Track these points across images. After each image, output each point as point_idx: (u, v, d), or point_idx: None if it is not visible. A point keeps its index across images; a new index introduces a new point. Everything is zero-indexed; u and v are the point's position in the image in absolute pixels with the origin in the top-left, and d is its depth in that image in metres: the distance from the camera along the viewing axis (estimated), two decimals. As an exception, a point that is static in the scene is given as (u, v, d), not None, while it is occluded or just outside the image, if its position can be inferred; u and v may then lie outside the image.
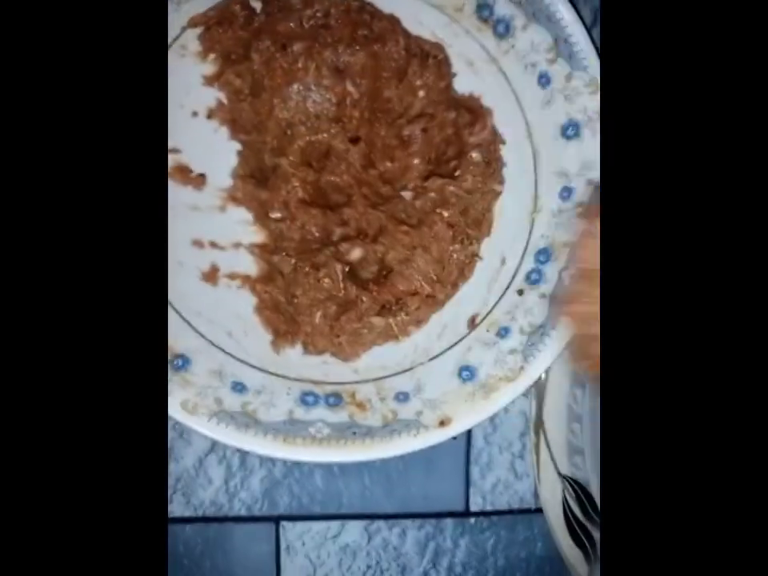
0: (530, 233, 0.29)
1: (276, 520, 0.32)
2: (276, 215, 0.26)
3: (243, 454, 0.31)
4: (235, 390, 0.25)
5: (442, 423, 0.25)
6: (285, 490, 0.32)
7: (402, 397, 0.26)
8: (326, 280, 0.26)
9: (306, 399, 0.26)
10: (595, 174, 0.27)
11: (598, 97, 0.27)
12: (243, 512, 0.31)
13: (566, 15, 0.26)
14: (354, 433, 0.25)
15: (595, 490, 0.33)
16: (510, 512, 0.35)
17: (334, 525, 0.32)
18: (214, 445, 0.31)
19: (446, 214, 0.27)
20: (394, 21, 0.27)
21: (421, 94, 0.27)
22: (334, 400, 0.26)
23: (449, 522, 0.34)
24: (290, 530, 0.32)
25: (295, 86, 0.26)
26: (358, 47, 0.26)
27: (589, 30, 0.27)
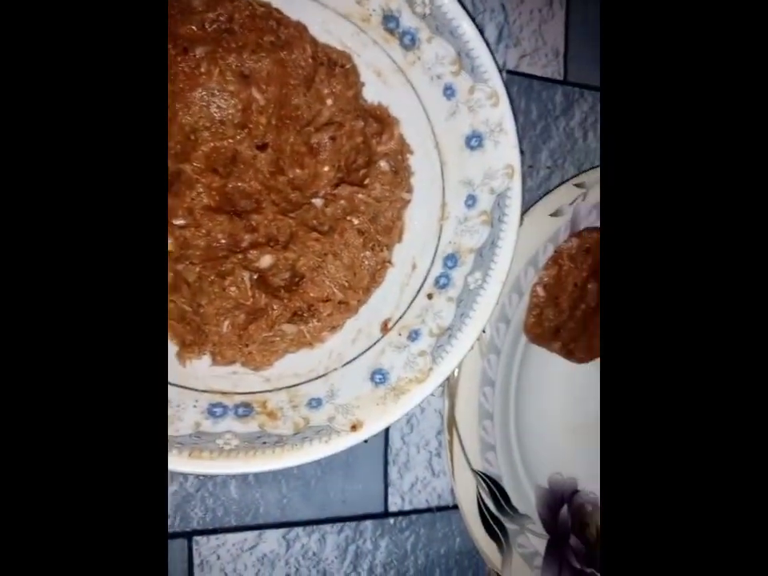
0: (439, 239, 0.30)
1: (188, 536, 0.31)
2: (180, 222, 0.25)
3: (153, 470, 0.30)
4: (136, 405, 0.24)
5: (354, 427, 0.25)
6: (198, 503, 0.31)
7: (315, 403, 0.26)
8: (233, 288, 0.25)
9: (214, 411, 0.25)
10: (496, 184, 0.29)
11: (499, 109, 0.28)
12: (154, 530, 0.30)
13: (468, 30, 0.27)
14: (265, 442, 0.25)
15: (507, 484, 0.35)
16: (429, 510, 0.36)
17: (251, 536, 0.32)
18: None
19: (356, 221, 0.28)
20: (301, 28, 0.27)
21: (329, 102, 0.27)
22: (244, 410, 0.26)
23: (368, 524, 0.34)
24: (203, 545, 0.31)
25: (198, 91, 0.25)
26: (263, 53, 0.26)
27: (489, 46, 0.28)
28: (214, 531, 0.31)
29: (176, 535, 0.30)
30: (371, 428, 0.25)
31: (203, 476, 0.30)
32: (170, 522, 0.30)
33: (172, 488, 0.30)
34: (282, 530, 0.32)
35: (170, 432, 0.24)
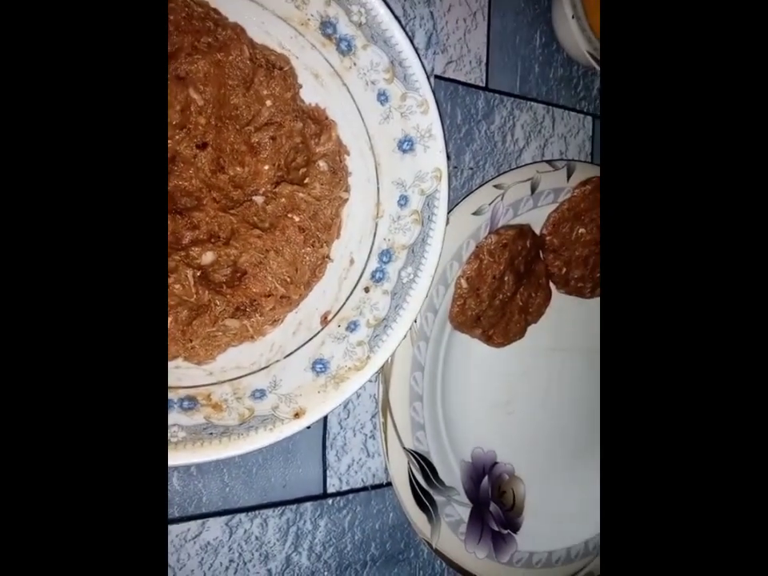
0: (374, 236, 0.32)
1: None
2: (118, 219, 0.25)
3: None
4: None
5: (297, 415, 0.27)
6: (138, 498, 0.31)
7: (259, 394, 0.27)
8: (177, 286, 0.26)
9: (159, 405, 0.25)
10: (426, 185, 0.31)
11: (428, 116, 0.30)
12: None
13: (401, 41, 0.29)
14: (211, 433, 0.25)
15: (435, 460, 0.38)
16: (364, 489, 0.38)
17: (194, 525, 0.32)
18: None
19: (296, 218, 0.29)
20: (239, 30, 0.28)
21: (268, 102, 0.28)
22: (189, 403, 0.26)
23: (308, 506, 0.36)
24: (145, 538, 0.31)
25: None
26: (199, 56, 0.26)
27: (419, 52, 0.30)
28: (156, 523, 0.31)
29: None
30: (313, 415, 0.27)
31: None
32: (108, 518, 0.30)
33: (110, 484, 0.30)
34: (224, 518, 0.33)
35: (115, 428, 0.24)
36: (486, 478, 0.42)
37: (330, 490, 0.37)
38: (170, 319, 0.26)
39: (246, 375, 0.28)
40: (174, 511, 0.32)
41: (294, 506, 0.35)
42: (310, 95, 0.30)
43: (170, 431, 0.25)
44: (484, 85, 0.41)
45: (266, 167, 0.29)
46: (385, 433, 0.35)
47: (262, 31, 0.29)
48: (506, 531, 0.42)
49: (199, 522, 0.33)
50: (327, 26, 0.29)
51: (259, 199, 0.29)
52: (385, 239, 0.31)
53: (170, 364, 0.27)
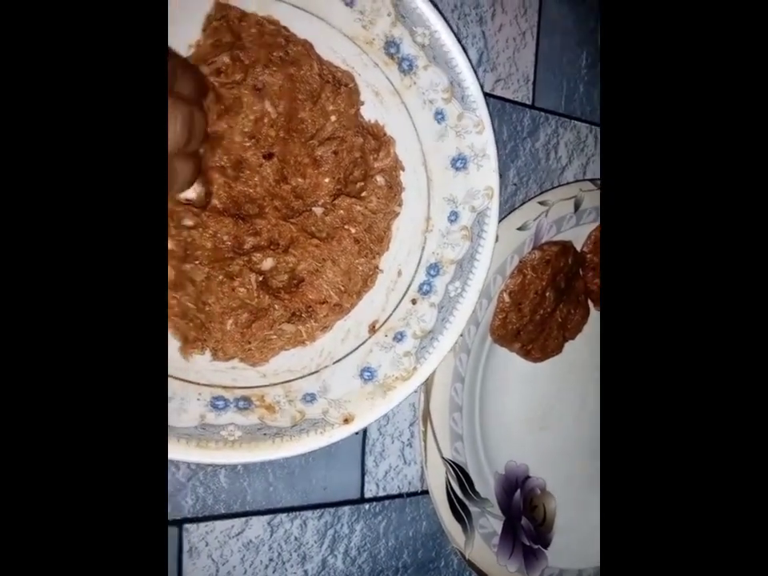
0: (423, 249, 0.32)
1: (179, 523, 0.32)
2: (188, 223, 0.27)
3: (143, 460, 0.31)
4: (147, 398, 0.25)
5: (346, 420, 0.28)
6: (189, 492, 0.32)
7: (309, 398, 0.28)
8: (242, 289, 0.27)
9: (217, 404, 0.27)
10: (477, 203, 0.32)
11: (483, 136, 0.31)
12: (143, 518, 0.31)
13: (461, 63, 0.30)
14: (265, 434, 0.26)
15: (471, 471, 0.38)
16: (400, 496, 0.39)
17: (238, 522, 0.33)
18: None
19: (353, 230, 0.30)
20: (308, 46, 0.29)
21: (333, 118, 0.29)
22: (244, 403, 0.27)
23: (346, 510, 0.37)
24: (193, 532, 0.32)
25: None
26: (275, 68, 0.27)
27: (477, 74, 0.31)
28: (204, 519, 0.32)
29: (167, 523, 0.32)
30: (362, 421, 0.28)
31: (199, 465, 0.31)
32: (159, 510, 0.31)
33: (161, 478, 0.31)
34: (267, 517, 0.34)
35: (177, 424, 0.25)
36: (519, 491, 0.42)
37: (368, 494, 0.37)
38: (230, 321, 0.28)
39: (297, 379, 0.29)
40: (219, 507, 0.33)
41: (332, 509, 0.36)
42: (369, 112, 0.31)
43: (227, 430, 0.26)
44: (530, 103, 0.42)
45: (327, 180, 0.30)
46: (424, 441, 0.36)
47: (329, 48, 0.30)
48: (536, 546, 0.42)
49: (243, 519, 0.34)
50: (391, 46, 0.30)
51: (318, 210, 0.30)
52: (433, 253, 0.32)
53: (227, 364, 0.28)
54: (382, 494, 0.38)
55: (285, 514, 0.35)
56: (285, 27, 0.29)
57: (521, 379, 0.41)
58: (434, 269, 0.32)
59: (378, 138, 0.31)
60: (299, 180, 0.29)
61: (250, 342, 0.28)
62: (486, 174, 0.31)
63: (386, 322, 0.32)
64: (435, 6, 0.30)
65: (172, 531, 0.32)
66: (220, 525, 0.33)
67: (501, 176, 0.40)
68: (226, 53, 0.26)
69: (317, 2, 0.28)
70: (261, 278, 0.28)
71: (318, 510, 0.36)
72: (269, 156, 0.28)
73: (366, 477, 0.37)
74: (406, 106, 0.31)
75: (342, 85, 0.29)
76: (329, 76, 0.29)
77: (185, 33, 0.27)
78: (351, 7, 0.28)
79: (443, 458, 0.36)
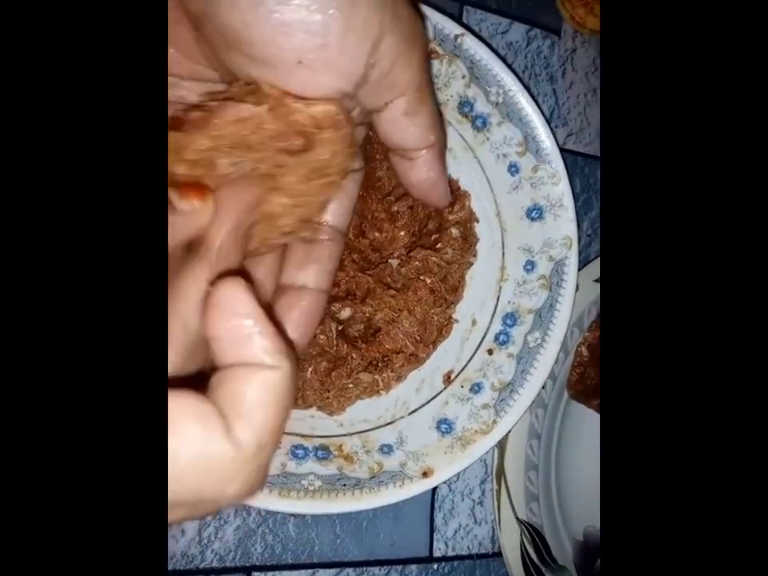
0: (498, 299, 0.32)
1: (248, 570, 0.32)
2: (274, 275, 0.28)
3: (218, 505, 0.31)
4: (231, 443, 0.26)
5: (425, 474, 0.27)
6: (258, 539, 0.32)
7: (386, 449, 0.28)
8: (322, 336, 0.28)
9: (297, 452, 0.27)
10: (555, 252, 0.31)
11: (559, 187, 0.31)
12: (215, 563, 0.31)
13: (535, 118, 0.31)
14: (344, 485, 0.26)
15: (548, 534, 0.36)
16: (470, 557, 0.37)
17: (305, 574, 0.33)
18: (190, 495, 0.31)
19: (428, 280, 0.30)
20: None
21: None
22: (323, 453, 0.27)
23: (413, 569, 0.35)
24: (261, 581, 0.32)
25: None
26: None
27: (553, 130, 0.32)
28: (272, 568, 0.32)
29: (236, 570, 0.32)
30: (442, 475, 0.27)
31: (266, 512, 0.31)
32: (231, 556, 0.32)
33: (235, 523, 0.32)
34: (333, 570, 0.33)
35: (261, 470, 0.25)
36: (600, 561, 0.39)
37: (436, 554, 0.36)
38: (309, 369, 0.28)
39: (373, 429, 0.29)
40: (287, 557, 0.33)
41: (399, 567, 0.35)
42: (444, 167, 0.32)
43: (307, 480, 0.26)
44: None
45: (402, 233, 0.31)
46: (498, 501, 0.34)
47: (406, 110, 0.32)
48: (620, 625, 0.38)
49: (309, 571, 0.33)
50: (465, 105, 0.32)
51: (394, 262, 0.30)
52: (509, 302, 0.32)
53: (306, 413, 0.29)
54: (451, 553, 0.36)
55: (351, 569, 0.34)
56: (367, 91, 0.31)
57: (599, 438, 0.39)
58: (511, 318, 0.32)
59: (452, 192, 0.32)
60: (376, 234, 0.30)
61: (328, 391, 0.28)
62: (563, 224, 0.31)
63: (461, 372, 0.31)
64: (509, 66, 0.32)
65: (242, 579, 0.32)
66: (287, 574, 0.32)
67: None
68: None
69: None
70: (339, 327, 0.28)
71: (385, 567, 0.35)
72: (350, 211, 0.30)
73: (434, 535, 0.36)
74: (479, 160, 0.32)
75: (419, 142, 0.31)
76: (407, 135, 0.30)
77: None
78: (428, 71, 0.30)
79: (518, 518, 0.35)
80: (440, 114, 0.22)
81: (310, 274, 0.20)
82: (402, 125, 0.20)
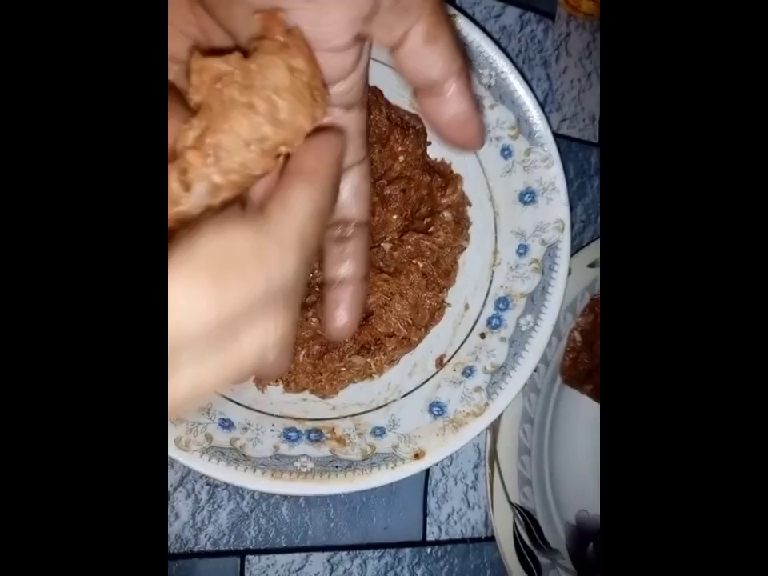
0: (491, 283, 0.32)
1: (242, 554, 0.32)
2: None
3: (212, 488, 0.31)
4: (223, 427, 0.26)
5: (417, 456, 0.27)
6: (252, 523, 0.32)
7: (379, 431, 0.28)
8: (314, 319, 0.28)
9: (289, 435, 0.27)
10: (547, 236, 0.31)
11: (552, 170, 0.31)
12: (209, 546, 0.31)
13: (528, 100, 0.31)
14: (337, 466, 0.26)
15: (540, 518, 0.36)
16: (463, 541, 0.37)
17: (298, 557, 0.33)
18: (183, 478, 0.31)
19: (420, 264, 0.30)
20: (377, 92, 0.31)
21: (401, 158, 0.30)
22: (315, 435, 0.27)
23: (407, 552, 0.35)
24: (254, 564, 0.32)
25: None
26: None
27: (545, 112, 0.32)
28: (266, 551, 0.32)
29: (230, 553, 0.32)
30: (433, 457, 0.27)
31: (260, 495, 0.32)
32: (225, 539, 0.32)
33: (229, 507, 0.32)
34: (327, 554, 0.33)
35: (252, 454, 0.25)
36: (591, 545, 0.39)
37: (430, 537, 0.36)
38: (302, 353, 0.28)
39: (365, 412, 0.29)
40: (281, 541, 0.33)
41: (393, 550, 0.35)
42: (436, 151, 0.32)
43: (300, 462, 0.26)
44: (597, 141, 0.42)
45: (395, 217, 0.30)
46: (491, 485, 0.34)
47: (396, 93, 0.31)
48: (612, 607, 0.38)
49: (303, 555, 0.33)
50: (458, 88, 0.31)
51: (387, 246, 0.30)
52: (502, 287, 0.32)
53: (298, 396, 0.29)
54: (444, 537, 0.37)
55: (345, 552, 0.34)
56: (359, 74, 0.30)
57: (592, 423, 0.39)
58: (504, 302, 0.31)
59: (445, 176, 0.31)
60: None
61: (321, 374, 0.28)
62: (555, 207, 0.31)
63: (453, 356, 0.31)
64: (502, 48, 0.31)
65: (234, 561, 0.32)
66: (281, 559, 0.32)
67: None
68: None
69: (383, 50, 0.30)
70: (332, 310, 0.28)
71: (379, 551, 0.35)
72: (342, 194, 0.29)
73: (428, 518, 0.36)
74: (473, 144, 0.32)
75: (409, 127, 0.30)
76: (397, 119, 0.30)
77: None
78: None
79: (511, 502, 0.35)
80: (459, 40, 0.21)
81: (347, 267, 0.21)
82: (424, 55, 0.19)
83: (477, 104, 0.21)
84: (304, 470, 0.26)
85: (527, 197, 0.32)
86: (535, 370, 0.31)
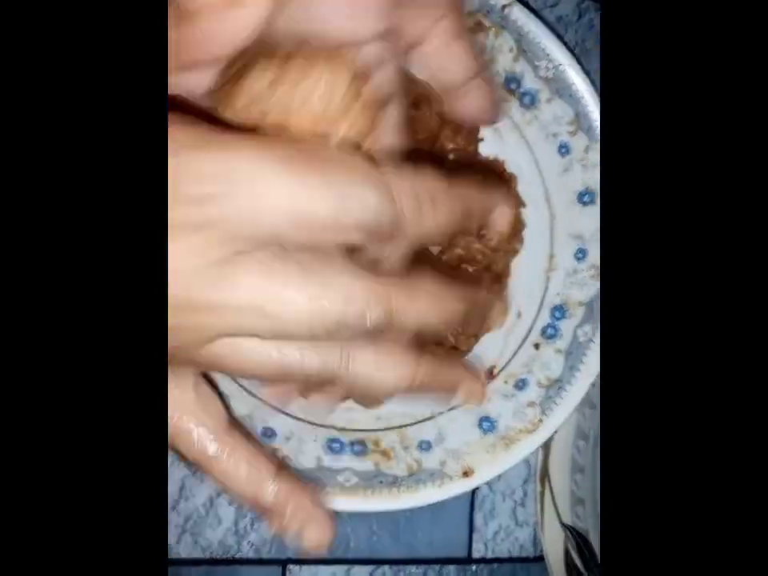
0: (546, 290, 0.30)
1: (283, 563, 0.31)
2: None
3: (253, 496, 0.31)
4: (266, 436, 0.25)
5: (466, 474, 0.26)
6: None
7: (425, 446, 0.27)
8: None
9: (333, 446, 0.26)
10: (609, 240, 0.29)
11: (613, 170, 0.29)
12: (251, 554, 0.31)
13: (587, 95, 0.29)
14: (381, 482, 0.25)
15: (594, 540, 0.34)
16: (510, 560, 0.35)
17: (340, 570, 0.32)
18: (225, 486, 0.31)
19: (470, 269, 0.29)
20: (428, 87, 0.29)
21: (451, 156, 0.29)
22: (359, 447, 0.26)
23: (451, 569, 0.34)
24: (296, 574, 0.31)
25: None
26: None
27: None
28: (308, 562, 0.31)
29: (272, 562, 0.31)
30: (483, 475, 0.26)
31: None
32: (266, 549, 0.31)
33: (270, 516, 0.31)
34: (369, 567, 0.32)
35: (296, 465, 0.25)
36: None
37: (475, 555, 0.35)
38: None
39: (411, 424, 0.28)
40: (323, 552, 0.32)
41: (437, 567, 0.34)
42: (489, 148, 0.30)
43: (343, 476, 0.25)
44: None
45: (444, 218, 0.29)
46: (541, 503, 0.32)
47: (447, 89, 0.30)
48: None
49: (345, 567, 0.32)
50: (512, 82, 0.29)
51: (435, 249, 0.29)
52: (558, 294, 0.30)
53: (343, 405, 0.28)
54: (490, 555, 0.35)
55: (388, 566, 0.33)
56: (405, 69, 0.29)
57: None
58: (560, 311, 0.29)
59: (497, 175, 0.30)
60: (417, 219, 0.29)
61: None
62: (618, 210, 0.29)
63: (505, 367, 0.30)
64: (560, 38, 0.29)
65: (275, 570, 0.31)
66: (323, 570, 0.32)
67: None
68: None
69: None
70: (378, 318, 0.27)
71: (422, 567, 0.33)
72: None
73: (473, 535, 0.34)
74: (526, 140, 0.30)
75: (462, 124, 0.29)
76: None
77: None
78: (474, 45, 0.28)
79: (562, 523, 0.33)
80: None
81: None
82: (448, 52, 0.18)
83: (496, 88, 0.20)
84: (348, 484, 0.25)
85: (586, 197, 0.30)
86: (593, 384, 0.28)
